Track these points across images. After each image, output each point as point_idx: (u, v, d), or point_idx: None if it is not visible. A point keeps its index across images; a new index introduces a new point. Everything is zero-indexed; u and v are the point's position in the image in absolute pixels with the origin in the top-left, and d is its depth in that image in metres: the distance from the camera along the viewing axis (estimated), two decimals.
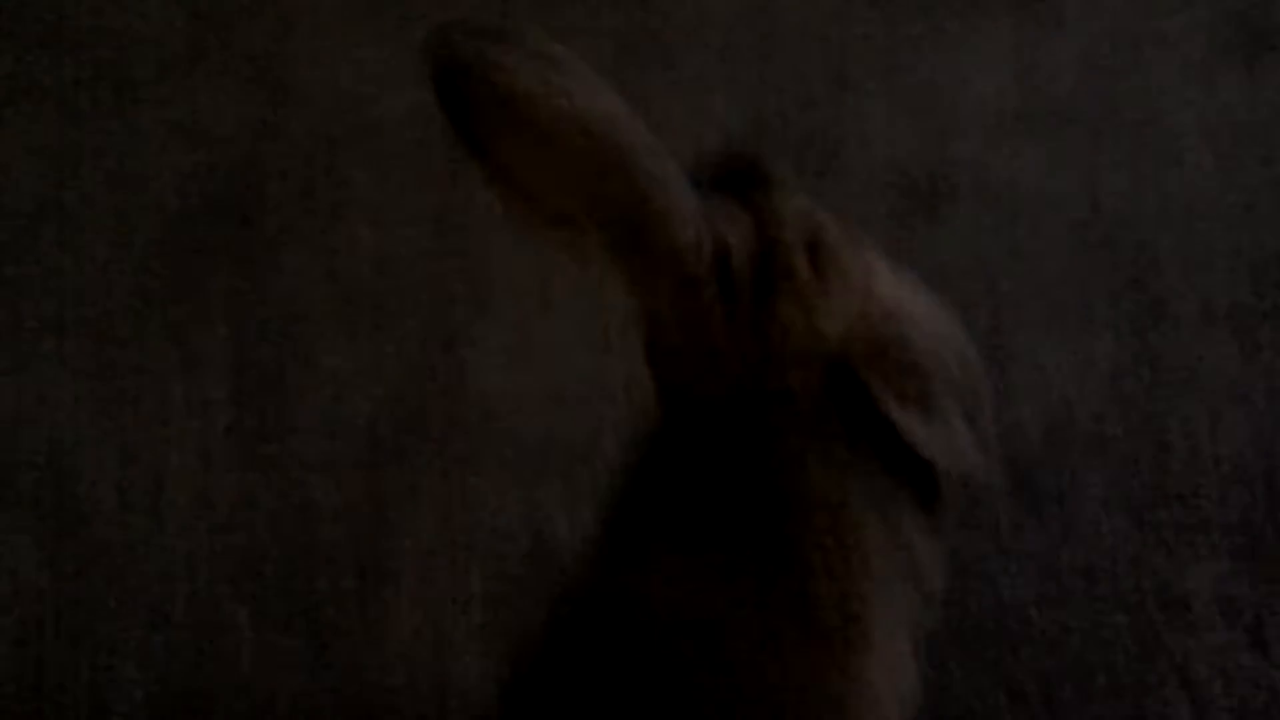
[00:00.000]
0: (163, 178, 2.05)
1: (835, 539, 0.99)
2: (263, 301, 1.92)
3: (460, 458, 1.77)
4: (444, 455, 1.77)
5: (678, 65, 2.34)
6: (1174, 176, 2.20)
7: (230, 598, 1.64)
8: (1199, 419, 1.86)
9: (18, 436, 1.74)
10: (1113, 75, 2.37)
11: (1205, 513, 1.76)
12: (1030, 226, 2.11)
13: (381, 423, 1.80)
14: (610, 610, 0.98)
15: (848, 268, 1.06)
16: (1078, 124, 2.28)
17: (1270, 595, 1.68)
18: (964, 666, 1.61)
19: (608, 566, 1.02)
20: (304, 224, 2.03)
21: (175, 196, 2.03)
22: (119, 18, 2.29)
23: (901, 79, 2.35)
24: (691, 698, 0.93)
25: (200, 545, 1.68)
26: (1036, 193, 2.16)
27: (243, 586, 1.65)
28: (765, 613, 0.95)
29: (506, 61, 0.98)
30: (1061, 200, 2.15)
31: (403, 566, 1.67)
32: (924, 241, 2.07)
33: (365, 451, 1.77)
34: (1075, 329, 1.96)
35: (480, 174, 1.00)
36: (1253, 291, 2.03)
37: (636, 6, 2.44)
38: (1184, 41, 2.44)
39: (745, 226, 1.04)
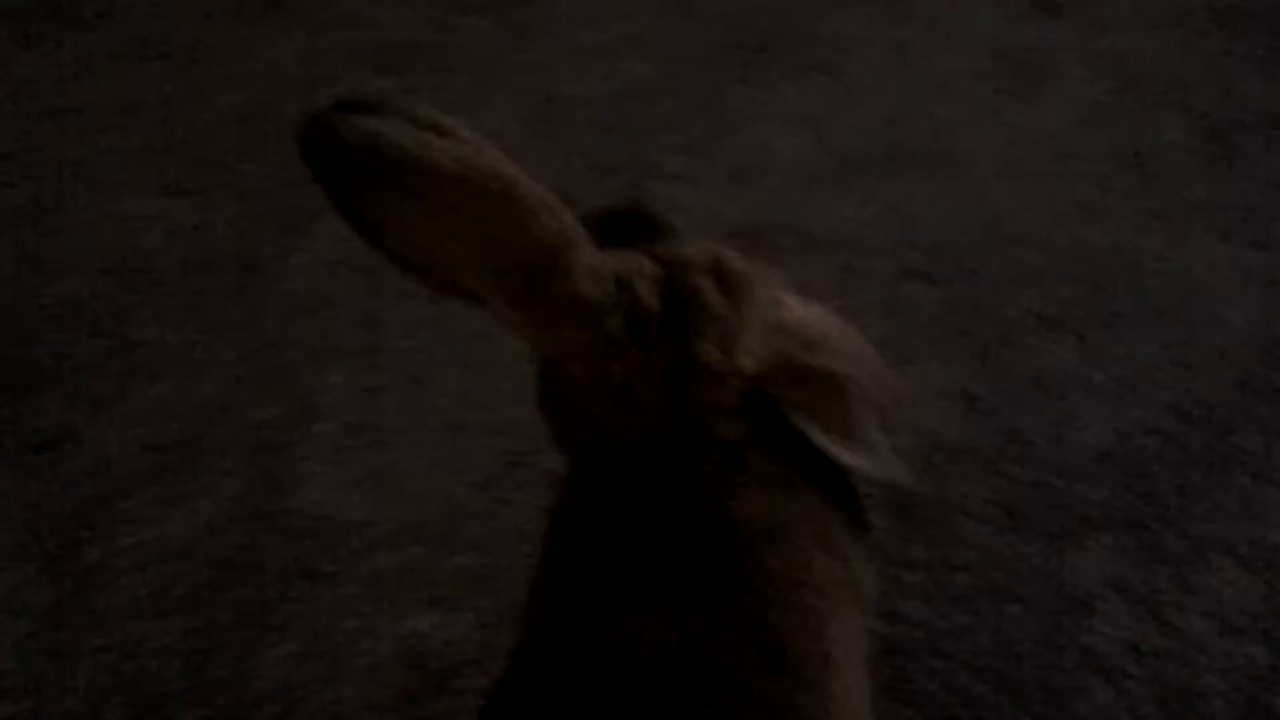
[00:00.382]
0: None
1: (786, 566, 0.98)
2: (61, 476, 1.81)
3: (309, 595, 1.66)
4: (290, 594, 1.66)
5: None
6: (978, 206, 2.25)
7: None
8: (1056, 417, 1.86)
9: None
10: (904, 125, 2.45)
11: (1079, 501, 1.75)
12: (859, 270, 2.12)
13: (211, 576, 1.69)
14: (571, 671, 0.93)
15: (758, 302, 1.06)
16: (880, 171, 2.33)
17: (1158, 570, 1.66)
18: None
19: (558, 629, 0.98)
20: (97, 389, 1.94)
21: None
22: None
23: (704, 148, 2.39)
24: None
25: None
26: (857, 238, 2.18)
27: None
28: (731, 648, 0.93)
29: (391, 130, 0.95)
30: (882, 242, 2.18)
31: (268, 713, 1.54)
32: None
33: (197, 604, 1.65)
34: (923, 358, 1.96)
35: (369, 246, 0.97)
36: (1074, 297, 2.07)
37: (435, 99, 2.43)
38: (967, 88, 2.55)
39: (651, 273, 1.04)
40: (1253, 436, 1.85)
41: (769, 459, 1.02)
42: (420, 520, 1.74)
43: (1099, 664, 1.57)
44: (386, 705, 1.53)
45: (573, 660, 0.95)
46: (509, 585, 1.64)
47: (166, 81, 2.58)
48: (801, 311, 1.09)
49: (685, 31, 2.70)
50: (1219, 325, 2.02)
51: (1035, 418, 1.88)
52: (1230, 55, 2.55)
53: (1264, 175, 2.29)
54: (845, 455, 1.01)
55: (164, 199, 2.29)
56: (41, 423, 1.87)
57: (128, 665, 1.57)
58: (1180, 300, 2.07)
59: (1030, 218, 2.23)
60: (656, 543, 0.98)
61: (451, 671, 1.55)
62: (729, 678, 0.92)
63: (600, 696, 0.91)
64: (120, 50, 2.67)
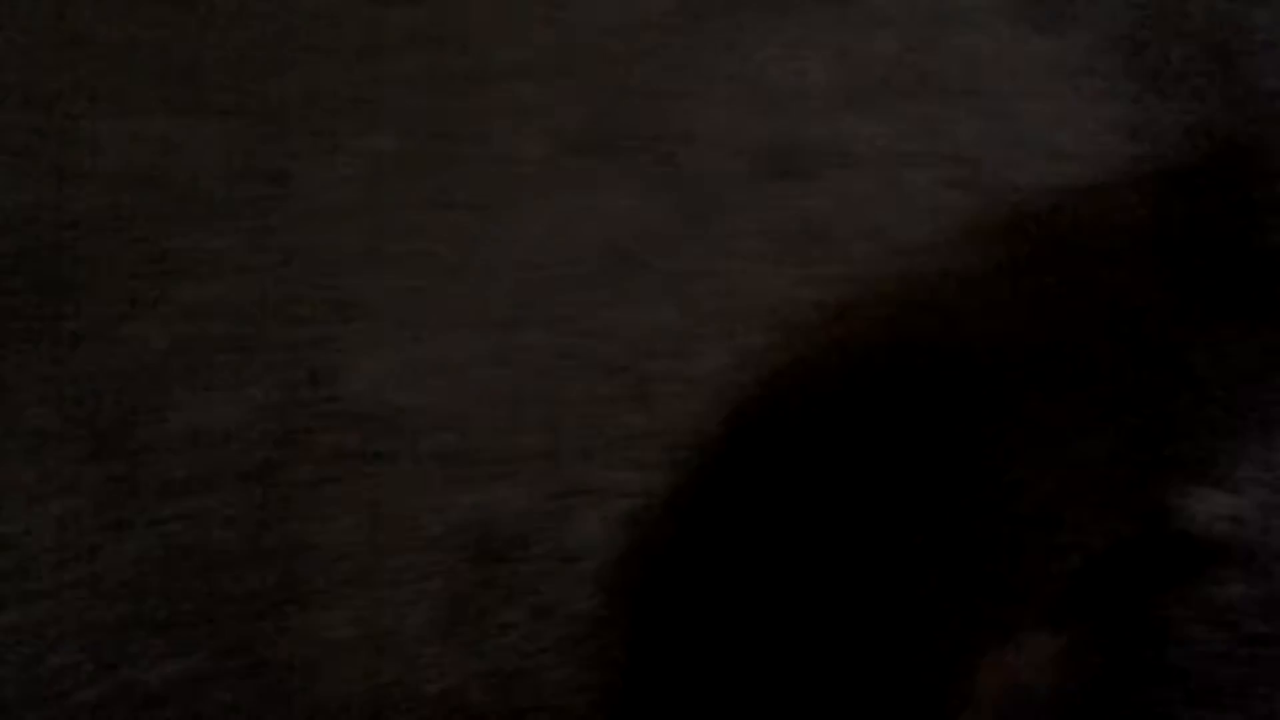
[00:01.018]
0: None
1: None
2: (102, 368, 1.76)
3: (368, 473, 1.62)
4: (348, 472, 1.62)
5: (501, 87, 2.33)
6: (1009, 125, 2.25)
7: (130, 657, 1.43)
8: None
9: None
10: (928, 54, 2.45)
11: None
12: (898, 182, 2.12)
13: (265, 455, 1.66)
14: None
15: None
16: (909, 95, 2.33)
17: None
18: None
19: None
20: (133, 291, 1.89)
21: None
22: None
23: (731, 74, 2.38)
24: None
25: (87, 614, 1.47)
26: (892, 153, 2.18)
27: (141, 645, 1.45)
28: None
29: None
30: (918, 157, 2.18)
31: (325, 581, 1.50)
32: (798, 207, 2.06)
33: (253, 481, 1.62)
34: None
35: None
36: None
37: (450, 44, 2.43)
38: (986, 20, 2.56)
39: None
40: None
41: None
42: (477, 406, 1.71)
43: None
44: (454, 571, 1.49)
45: None
46: (576, 461, 1.61)
47: (170, 16, 2.55)
48: None
49: None
50: None
51: None
52: None
53: None
54: None
55: (182, 119, 2.25)
56: (79, 322, 1.82)
57: (181, 538, 1.53)
58: None
59: (1062, 134, 2.23)
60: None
61: (521, 540, 1.52)
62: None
63: None
64: None
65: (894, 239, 2.02)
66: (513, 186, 2.14)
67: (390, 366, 1.77)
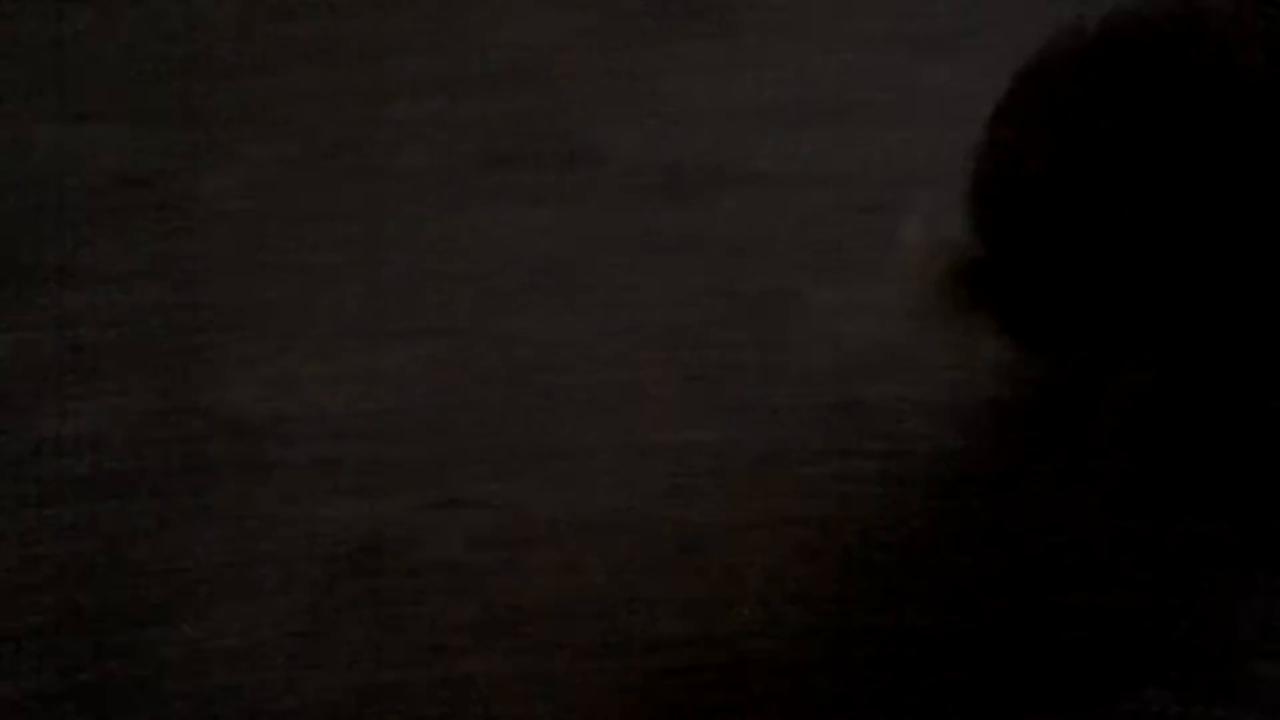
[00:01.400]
0: None
1: None
2: None
3: (241, 483, 1.60)
4: (212, 484, 1.60)
5: (405, 102, 2.32)
6: (918, 148, 2.27)
7: None
8: None
9: None
10: (828, 80, 2.48)
11: None
12: (801, 202, 2.12)
13: (129, 466, 1.63)
14: None
15: None
16: (808, 119, 2.35)
17: None
18: None
19: None
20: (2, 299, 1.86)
21: None
22: None
23: (630, 100, 2.39)
24: None
25: None
26: (793, 174, 2.19)
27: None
28: None
29: None
30: (826, 176, 2.19)
31: (187, 595, 1.46)
32: (703, 224, 2.06)
33: (116, 492, 1.59)
34: (859, 277, 1.95)
35: None
36: None
37: (353, 59, 2.42)
38: (881, 47, 2.59)
39: None
40: None
41: None
42: (356, 417, 1.69)
43: None
44: (313, 583, 1.46)
45: None
46: (438, 478, 1.59)
47: (57, 19, 2.53)
48: None
49: None
50: None
51: None
52: None
53: None
54: None
55: (73, 125, 2.23)
56: None
57: (43, 549, 1.49)
58: None
59: (954, 157, 2.25)
60: None
61: (381, 551, 1.49)
62: None
63: None
64: None
65: (798, 255, 2.02)
66: (410, 200, 2.12)
67: (269, 375, 1.74)
